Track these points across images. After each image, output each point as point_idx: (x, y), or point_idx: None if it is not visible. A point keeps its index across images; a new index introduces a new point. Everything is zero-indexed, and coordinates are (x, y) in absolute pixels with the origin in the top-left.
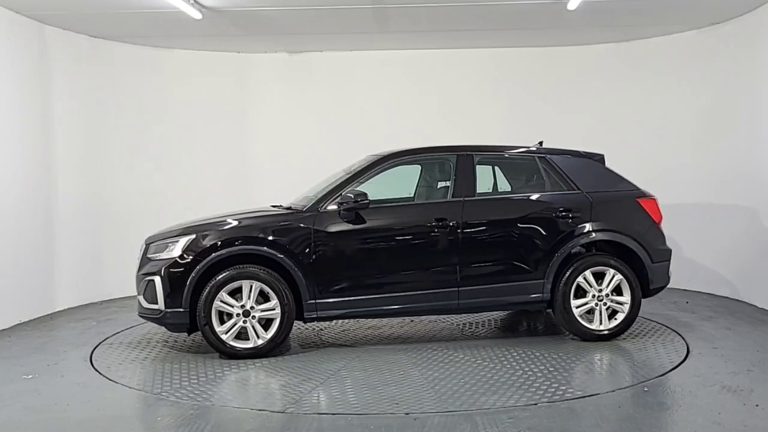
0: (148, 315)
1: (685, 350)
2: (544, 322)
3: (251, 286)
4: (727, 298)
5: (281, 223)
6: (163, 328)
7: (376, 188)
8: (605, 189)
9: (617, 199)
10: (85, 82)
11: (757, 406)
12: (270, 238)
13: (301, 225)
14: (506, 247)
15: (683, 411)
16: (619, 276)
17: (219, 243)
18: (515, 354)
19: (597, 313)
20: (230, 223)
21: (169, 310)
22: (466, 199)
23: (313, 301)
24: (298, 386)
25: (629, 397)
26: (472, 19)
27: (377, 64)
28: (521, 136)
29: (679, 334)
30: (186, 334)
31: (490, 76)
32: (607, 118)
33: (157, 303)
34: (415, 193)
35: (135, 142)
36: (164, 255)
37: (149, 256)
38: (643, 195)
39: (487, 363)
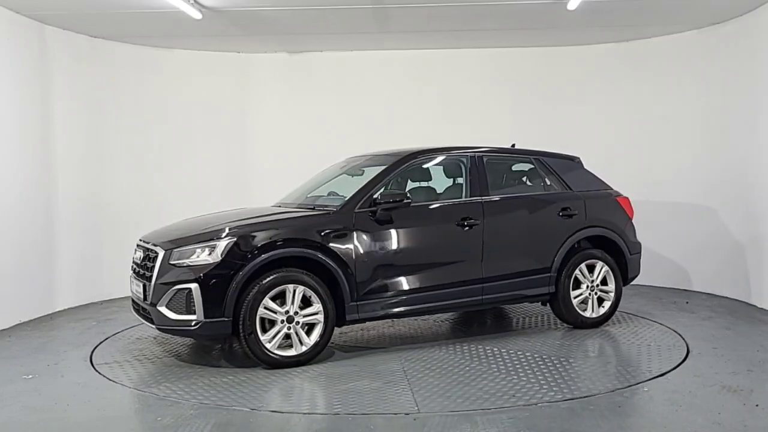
0: (175, 327)
1: (685, 350)
2: (493, 316)
3: (294, 291)
4: (727, 298)
5: (322, 224)
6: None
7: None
8: (590, 189)
9: (602, 198)
10: (85, 82)
11: (757, 406)
12: (314, 239)
13: (342, 225)
14: (521, 243)
15: (683, 411)
16: (606, 267)
17: (263, 246)
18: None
19: (590, 302)
20: (272, 225)
21: (209, 320)
22: (484, 198)
23: (355, 304)
24: (389, 389)
25: (629, 397)
26: (473, 19)
27: (377, 64)
28: (521, 136)
29: (679, 334)
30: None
31: (491, 76)
32: (607, 118)
33: (193, 313)
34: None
35: (135, 142)
36: (198, 260)
37: (174, 262)
38: (619, 194)
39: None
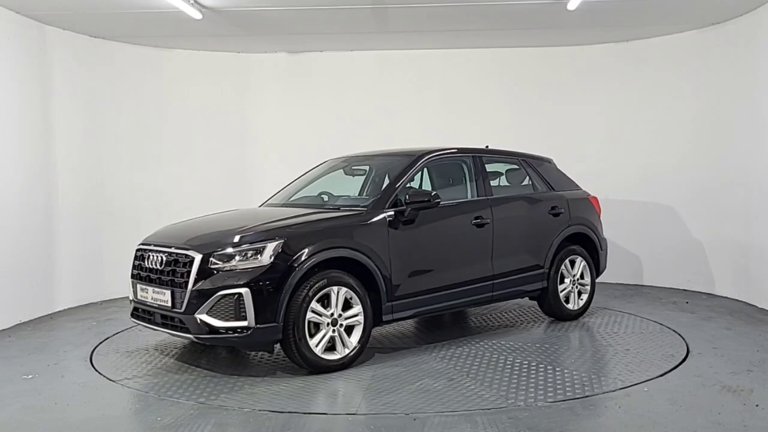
0: (220, 336)
1: (685, 350)
2: (468, 313)
3: (338, 292)
4: (727, 298)
5: (362, 224)
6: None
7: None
8: (567, 189)
9: (579, 197)
10: (85, 82)
11: (757, 406)
12: (357, 239)
13: (377, 225)
14: (522, 241)
15: (683, 411)
16: (584, 262)
17: (312, 247)
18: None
19: (573, 295)
20: (314, 226)
21: (260, 326)
22: (490, 198)
23: (390, 304)
24: (461, 385)
25: (629, 397)
26: (472, 19)
27: (377, 64)
28: (521, 136)
29: (679, 334)
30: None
31: (490, 76)
32: (607, 118)
33: (243, 320)
34: (360, 192)
35: (135, 142)
36: (246, 263)
37: (215, 266)
38: (589, 194)
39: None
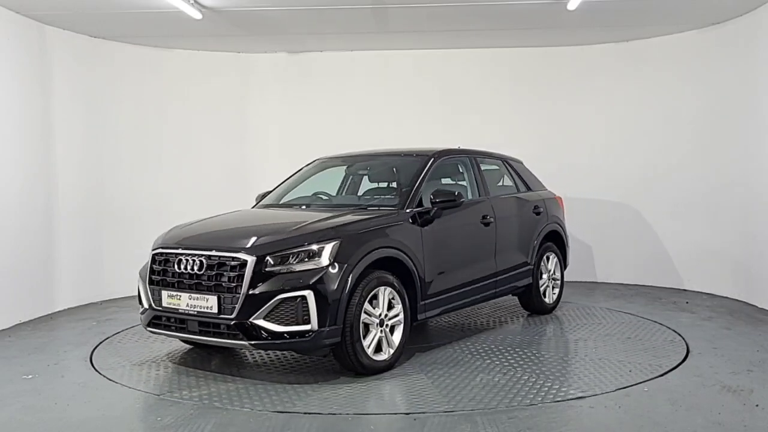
0: (280, 341)
1: (685, 350)
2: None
3: (384, 293)
4: (727, 298)
5: (398, 224)
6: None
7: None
8: (540, 189)
9: (551, 197)
10: (85, 82)
11: (757, 406)
12: (398, 239)
13: (411, 224)
14: (516, 239)
15: (683, 411)
16: (556, 259)
17: (365, 247)
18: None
19: (548, 289)
20: (360, 226)
21: (322, 329)
22: (490, 197)
23: (423, 302)
24: (523, 378)
25: (629, 397)
26: (472, 19)
27: (377, 64)
28: (521, 136)
29: (679, 334)
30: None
31: (490, 76)
32: (607, 118)
33: (306, 323)
34: (339, 192)
35: (135, 142)
36: (307, 265)
37: (272, 269)
38: (555, 194)
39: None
